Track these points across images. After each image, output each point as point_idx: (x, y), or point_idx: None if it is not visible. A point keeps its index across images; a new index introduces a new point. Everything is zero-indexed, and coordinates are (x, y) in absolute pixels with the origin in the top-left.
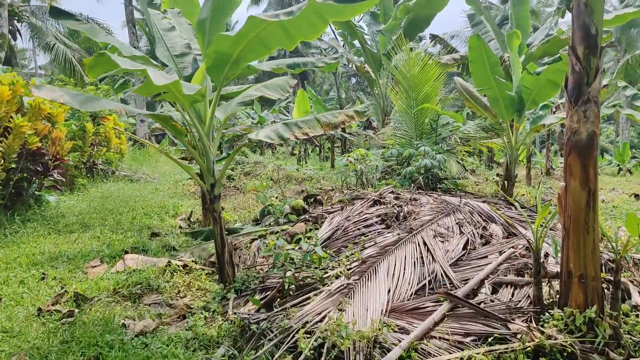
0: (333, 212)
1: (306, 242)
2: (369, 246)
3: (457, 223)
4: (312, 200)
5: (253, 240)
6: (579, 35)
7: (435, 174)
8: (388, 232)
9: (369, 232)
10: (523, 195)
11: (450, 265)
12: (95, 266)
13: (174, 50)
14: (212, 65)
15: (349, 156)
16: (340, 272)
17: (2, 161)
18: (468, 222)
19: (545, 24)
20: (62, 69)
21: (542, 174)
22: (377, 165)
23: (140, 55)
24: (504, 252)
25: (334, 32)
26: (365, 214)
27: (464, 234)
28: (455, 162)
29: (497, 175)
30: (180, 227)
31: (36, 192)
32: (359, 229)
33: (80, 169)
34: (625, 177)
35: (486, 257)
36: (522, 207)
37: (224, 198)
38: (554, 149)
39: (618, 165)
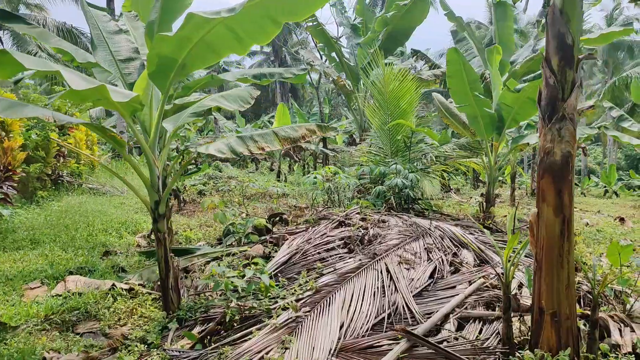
0: (297, 233)
1: (251, 269)
2: (327, 273)
3: (425, 248)
4: (277, 219)
5: (208, 262)
6: (554, 45)
7: (407, 194)
8: (350, 257)
9: (330, 256)
10: (505, 216)
11: (414, 295)
12: (34, 288)
13: (119, 55)
14: (156, 70)
15: (317, 174)
16: (289, 303)
17: None
18: (437, 248)
19: (529, 41)
20: (44, 78)
21: (527, 194)
22: (348, 184)
23: (94, 62)
24: (474, 281)
25: (315, 44)
26: (327, 236)
27: (432, 260)
28: (429, 182)
29: (481, 195)
30: (138, 245)
31: None
32: (319, 253)
33: (45, 180)
34: (612, 200)
35: (454, 287)
36: (497, 231)
37: (191, 214)
38: None
39: (604, 187)
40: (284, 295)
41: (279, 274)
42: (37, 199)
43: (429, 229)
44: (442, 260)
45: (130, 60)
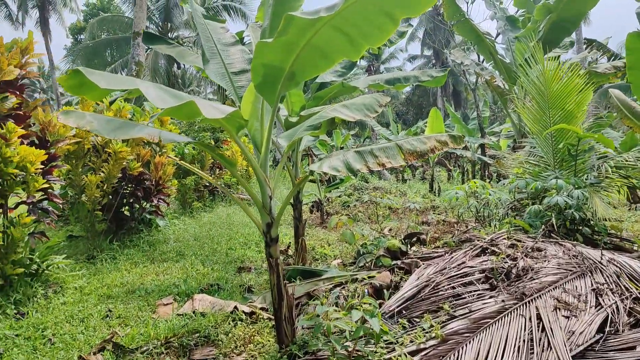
0: (433, 258)
1: (360, 309)
2: (460, 316)
3: (593, 289)
4: (414, 239)
5: (334, 287)
6: None
7: (571, 215)
8: (490, 297)
9: (467, 293)
10: None
11: (574, 356)
12: (167, 304)
13: (232, 67)
14: (262, 81)
15: (459, 188)
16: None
17: (104, 186)
18: (611, 290)
19: None
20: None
21: None
22: (498, 200)
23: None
24: None
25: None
26: (466, 266)
27: (602, 307)
28: (601, 200)
29: None
30: None
31: (148, 216)
32: (453, 288)
33: (202, 191)
34: None
35: (634, 347)
36: None
37: (333, 228)
38: None
39: None
40: (403, 342)
41: (403, 311)
42: (191, 210)
43: (600, 262)
44: (617, 307)
45: (243, 72)
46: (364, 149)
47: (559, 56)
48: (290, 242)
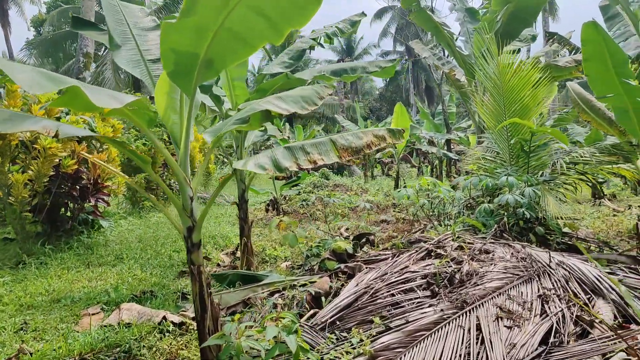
0: (380, 260)
1: (272, 325)
2: (395, 327)
3: (540, 295)
4: (363, 240)
5: (274, 293)
6: None
7: (522, 214)
8: (430, 305)
9: (406, 301)
10: None
11: None
12: (93, 314)
13: (150, 54)
14: (175, 69)
15: (410, 186)
16: None
17: (34, 185)
18: (558, 296)
19: None
20: None
21: None
22: (452, 198)
23: None
24: (612, 354)
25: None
26: (408, 271)
27: (547, 315)
28: (554, 198)
29: None
30: (218, 264)
31: (89, 217)
32: (393, 295)
33: (154, 189)
34: None
35: None
36: None
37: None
38: None
39: None
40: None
41: (338, 322)
42: (141, 209)
43: (549, 265)
44: (564, 315)
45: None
46: (295, 145)
47: (518, 49)
48: (238, 244)
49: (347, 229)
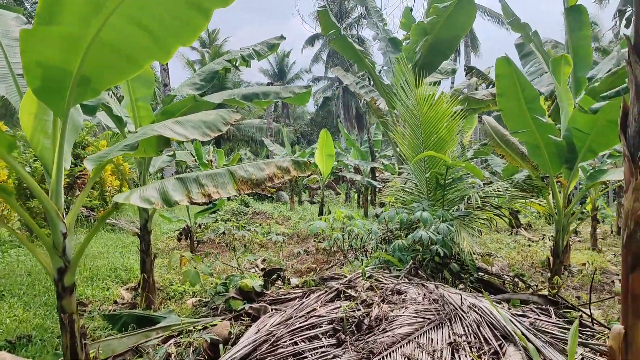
0: (289, 300)
1: None
2: None
3: (450, 343)
4: (274, 276)
5: (169, 338)
6: None
7: (436, 251)
8: (334, 356)
9: (309, 351)
10: (584, 265)
11: None
12: None
13: (21, 68)
14: (42, 86)
15: (325, 219)
16: None
17: None
18: (469, 343)
19: (612, 53)
20: None
21: (612, 232)
22: (368, 232)
23: None
24: None
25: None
26: (314, 316)
27: None
28: (467, 234)
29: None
30: (115, 301)
31: None
32: (295, 344)
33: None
34: None
35: None
36: (567, 308)
37: (208, 256)
38: None
39: None
40: None
41: None
42: (36, 237)
43: (461, 307)
44: None
45: None
46: (189, 176)
47: (439, 81)
48: (142, 277)
49: (264, 260)
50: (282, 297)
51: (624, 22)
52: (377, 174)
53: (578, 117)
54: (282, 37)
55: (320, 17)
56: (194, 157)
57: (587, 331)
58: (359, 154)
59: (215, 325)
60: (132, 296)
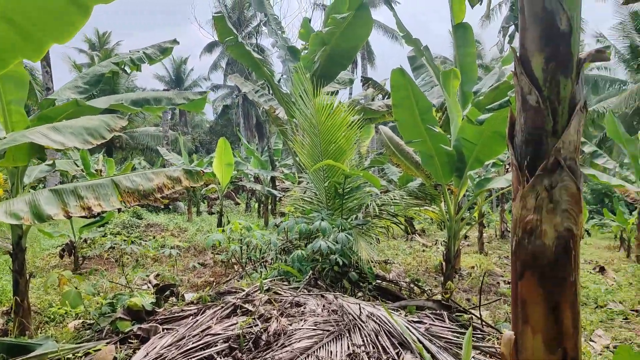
0: (183, 318)
1: None
2: None
3: (349, 355)
4: (167, 293)
5: None
6: (535, 34)
7: (334, 260)
8: None
9: None
10: (472, 267)
11: None
12: None
13: None
14: None
15: (223, 230)
16: None
17: None
18: (367, 353)
19: (495, 69)
20: None
21: (496, 236)
22: (268, 243)
23: None
24: None
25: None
26: (209, 333)
27: None
28: (365, 242)
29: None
30: None
31: None
32: None
33: None
34: (584, 240)
35: None
36: (459, 312)
37: (95, 274)
38: (510, 207)
39: None
40: None
41: None
42: None
43: (359, 317)
44: None
45: None
46: (66, 187)
47: (336, 91)
48: (16, 299)
49: (157, 275)
50: (176, 315)
51: (507, 38)
52: (277, 183)
53: (466, 128)
54: (175, 42)
55: (215, 23)
56: (78, 166)
57: (478, 333)
58: (259, 163)
59: (99, 350)
60: (4, 322)
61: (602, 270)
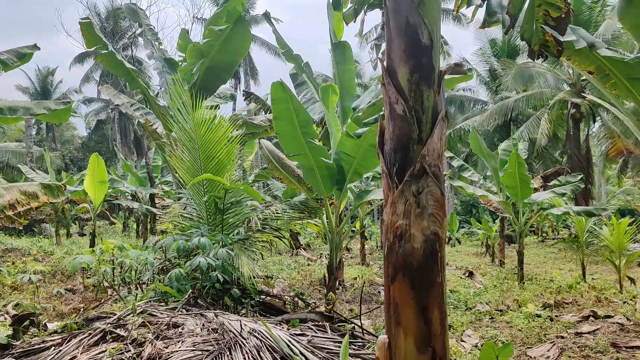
0: (41, 351)
1: None
2: None
3: None
4: (27, 324)
5: None
6: (399, 47)
7: (215, 277)
8: None
9: None
10: (355, 279)
11: None
12: None
13: None
14: None
15: (89, 252)
16: None
17: None
18: None
19: (371, 87)
20: None
21: (377, 247)
22: (142, 264)
23: None
24: None
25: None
26: None
27: None
28: (247, 258)
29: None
30: None
31: None
32: None
33: None
34: (455, 248)
35: None
36: (341, 322)
37: None
38: None
39: (448, 234)
40: None
41: None
42: None
43: (241, 334)
44: None
45: None
46: None
47: (217, 105)
48: None
49: (17, 305)
50: (36, 347)
51: (380, 55)
52: (157, 201)
53: (345, 142)
54: (35, 47)
55: (83, 30)
56: None
57: (359, 342)
58: (137, 180)
59: None
60: None
61: (470, 275)
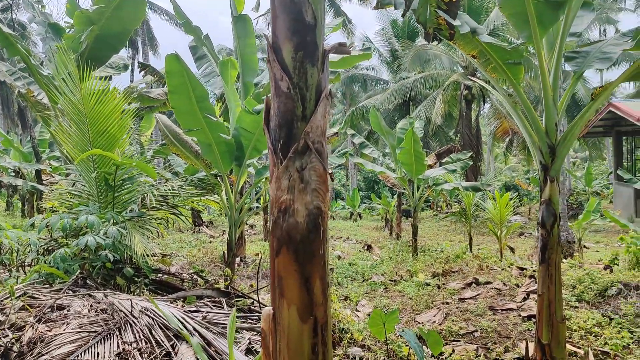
0: None
1: None
2: None
3: (118, 354)
4: None
5: None
6: (284, 24)
7: (105, 256)
8: None
9: None
10: (257, 254)
11: None
12: None
13: None
14: None
15: None
16: None
17: None
18: (139, 350)
19: None
20: None
21: None
22: (24, 244)
23: None
24: None
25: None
26: None
27: None
28: (141, 236)
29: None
30: None
31: None
32: None
33: None
34: (357, 223)
35: None
36: (239, 297)
37: None
38: None
39: (350, 210)
40: None
41: None
42: None
43: (132, 314)
44: None
45: None
46: None
47: (110, 76)
48: None
49: None
50: None
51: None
52: (45, 178)
53: (244, 118)
54: None
55: None
56: None
57: (255, 316)
58: (20, 155)
59: None
60: None
61: (369, 248)
